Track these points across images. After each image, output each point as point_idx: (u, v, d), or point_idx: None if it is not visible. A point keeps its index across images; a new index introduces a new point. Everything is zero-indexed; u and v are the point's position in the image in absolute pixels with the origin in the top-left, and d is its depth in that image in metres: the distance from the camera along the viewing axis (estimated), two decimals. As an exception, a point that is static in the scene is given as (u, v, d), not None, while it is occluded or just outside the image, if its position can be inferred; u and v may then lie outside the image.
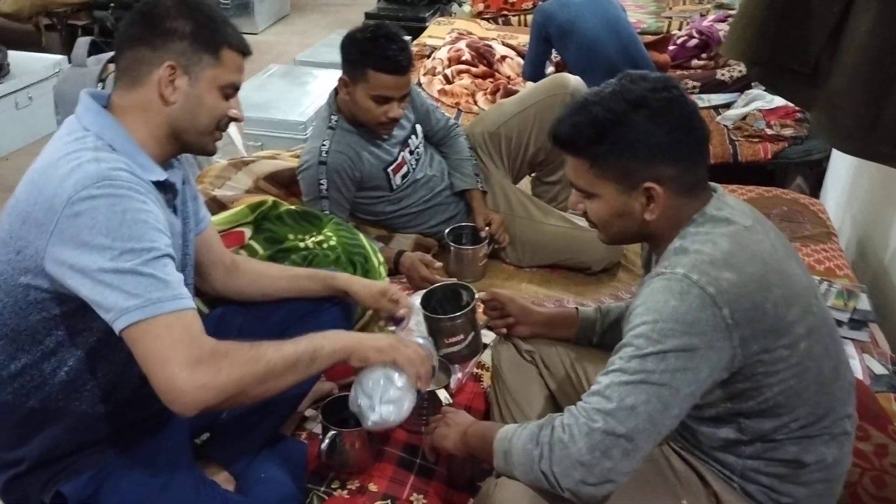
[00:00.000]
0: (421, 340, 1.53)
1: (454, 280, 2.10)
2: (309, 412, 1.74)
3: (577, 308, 1.63)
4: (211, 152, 1.40)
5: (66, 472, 1.30)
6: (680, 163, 1.22)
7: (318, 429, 1.69)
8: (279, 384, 1.22)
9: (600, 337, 1.59)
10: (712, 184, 1.29)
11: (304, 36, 5.59)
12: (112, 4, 4.64)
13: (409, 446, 1.65)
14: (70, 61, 4.10)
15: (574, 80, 2.41)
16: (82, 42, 2.43)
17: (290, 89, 3.80)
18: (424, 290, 1.72)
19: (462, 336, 1.65)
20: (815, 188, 3.19)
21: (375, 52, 2.02)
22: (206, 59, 1.29)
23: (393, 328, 1.61)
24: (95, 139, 1.23)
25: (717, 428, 1.26)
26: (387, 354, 1.37)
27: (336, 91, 2.22)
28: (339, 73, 3.84)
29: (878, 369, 1.84)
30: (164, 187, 1.31)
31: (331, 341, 1.31)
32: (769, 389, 1.19)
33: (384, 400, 1.37)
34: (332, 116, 2.17)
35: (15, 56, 3.91)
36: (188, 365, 1.10)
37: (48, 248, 1.16)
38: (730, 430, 1.25)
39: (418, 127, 2.33)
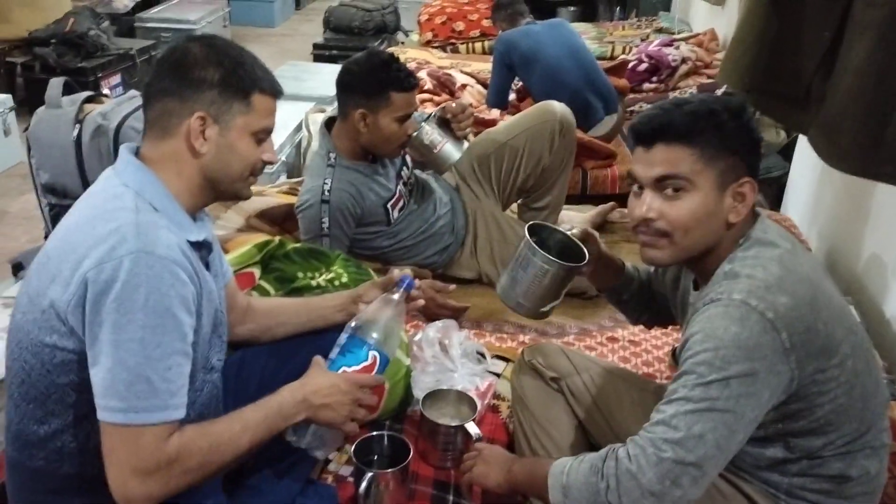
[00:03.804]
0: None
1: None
2: (331, 454, 1.70)
3: (622, 261, 1.62)
4: (245, 197, 1.37)
5: (106, 536, 1.23)
6: (755, 174, 1.28)
7: (343, 470, 1.66)
8: (227, 470, 1.27)
9: (630, 295, 1.60)
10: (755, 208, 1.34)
11: (248, 67, 5.52)
12: (53, 41, 4.49)
13: (439, 483, 1.64)
14: (14, 100, 4.01)
15: (560, 107, 2.46)
16: (55, 83, 2.35)
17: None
18: None
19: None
20: (773, 204, 3.32)
21: (393, 75, 2.08)
22: (236, 107, 1.25)
23: (397, 295, 1.46)
24: (135, 197, 1.20)
25: (765, 448, 1.28)
26: (337, 424, 1.33)
27: (327, 127, 2.21)
28: (299, 105, 3.90)
29: (876, 378, 1.91)
30: (200, 245, 1.28)
31: (288, 420, 1.28)
32: (820, 409, 1.22)
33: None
34: (330, 154, 2.16)
35: (-46, 96, 3.75)
36: (141, 474, 1.13)
37: (69, 308, 1.14)
38: (777, 450, 1.27)
39: (408, 158, 2.34)
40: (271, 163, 1.33)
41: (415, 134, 2.17)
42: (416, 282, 1.54)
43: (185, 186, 1.26)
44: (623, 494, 1.17)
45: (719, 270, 1.27)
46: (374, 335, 1.38)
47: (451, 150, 2.19)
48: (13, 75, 4.54)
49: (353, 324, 1.40)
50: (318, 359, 1.36)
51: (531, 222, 1.49)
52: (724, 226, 1.27)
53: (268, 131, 1.31)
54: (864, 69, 1.60)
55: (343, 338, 1.39)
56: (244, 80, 1.25)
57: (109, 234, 1.13)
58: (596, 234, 1.55)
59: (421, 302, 1.59)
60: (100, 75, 4.53)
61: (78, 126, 2.30)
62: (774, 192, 3.33)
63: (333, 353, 1.37)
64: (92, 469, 1.19)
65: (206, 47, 1.25)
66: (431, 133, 2.18)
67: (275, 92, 1.30)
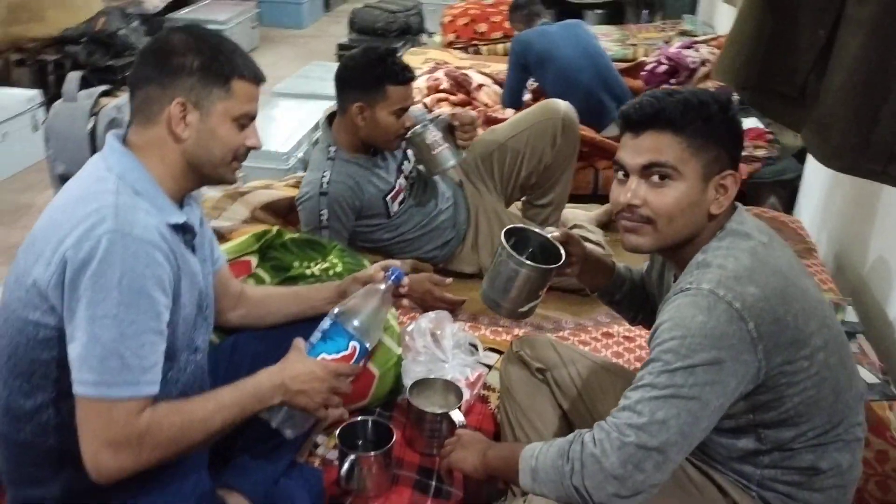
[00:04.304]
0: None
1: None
2: (320, 438, 1.74)
3: (613, 262, 1.63)
4: (230, 182, 1.41)
5: (90, 505, 1.28)
6: (737, 168, 1.30)
7: (330, 454, 1.70)
8: (201, 447, 1.30)
9: (623, 296, 1.61)
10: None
11: (274, 68, 5.61)
12: (83, 39, 4.62)
13: (423, 469, 1.67)
14: (44, 96, 4.12)
15: (564, 105, 2.48)
16: (73, 77, 2.43)
17: (269, 121, 3.82)
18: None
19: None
20: (787, 207, 3.29)
21: (389, 69, 2.13)
22: (215, 93, 1.29)
23: (383, 286, 1.49)
24: (117, 181, 1.24)
25: (737, 439, 1.29)
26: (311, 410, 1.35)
27: (329, 122, 2.25)
28: (319, 104, 3.96)
29: (871, 379, 1.90)
30: (182, 229, 1.32)
31: (263, 402, 1.31)
32: (790, 400, 1.23)
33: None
34: (330, 147, 2.21)
35: (-15, 92, 3.88)
36: (113, 446, 1.17)
37: (50, 286, 1.18)
38: (749, 441, 1.28)
39: (409, 152, 2.37)
40: (255, 148, 1.36)
41: (419, 130, 2.21)
42: (405, 279, 1.56)
43: (169, 171, 1.30)
44: (587, 477, 1.19)
45: (693, 260, 1.28)
46: (356, 324, 1.40)
47: (447, 156, 2.23)
48: (45, 73, 4.67)
49: (336, 310, 1.43)
50: (298, 342, 1.38)
51: (510, 226, 1.52)
52: (706, 217, 1.29)
53: (250, 116, 1.34)
54: (855, 67, 1.59)
55: (326, 323, 1.41)
56: (223, 67, 1.28)
57: (89, 215, 1.18)
58: (577, 236, 1.57)
59: (405, 302, 1.61)
60: (127, 73, 4.62)
61: (93, 118, 2.38)
62: (788, 195, 3.31)
63: (314, 338, 1.40)
64: (73, 444, 1.23)
65: (187, 36, 1.30)
66: (435, 134, 2.21)
67: (256, 78, 1.33)
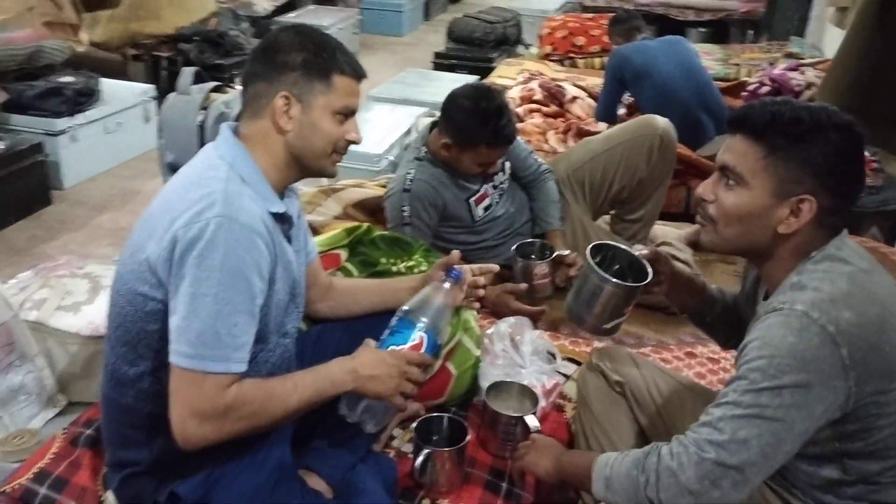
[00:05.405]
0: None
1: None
2: (396, 431, 1.78)
3: (704, 283, 1.61)
4: (331, 175, 1.47)
5: (180, 473, 1.35)
6: (838, 198, 1.24)
7: (405, 447, 1.73)
8: (277, 426, 1.36)
9: (714, 318, 1.59)
10: None
11: (372, 73, 5.71)
12: (196, 38, 4.84)
13: (495, 470, 1.68)
14: (156, 90, 4.34)
15: (663, 122, 2.45)
16: (187, 72, 2.56)
17: (363, 123, 3.87)
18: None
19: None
20: (889, 238, 3.16)
21: (491, 132, 2.12)
22: (317, 87, 1.35)
23: (447, 284, 1.52)
24: (228, 169, 1.32)
25: (820, 467, 1.26)
26: (385, 396, 1.39)
27: (430, 128, 2.30)
28: (412, 109, 4.04)
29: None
30: (282, 218, 1.38)
31: (336, 386, 1.37)
32: (879, 432, 1.19)
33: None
34: (422, 149, 2.26)
35: (105, 83, 4.09)
36: (199, 416, 1.24)
37: (160, 262, 1.26)
38: (833, 470, 1.25)
39: (507, 164, 2.39)
40: (355, 142, 1.42)
41: (536, 260, 2.21)
42: (465, 273, 1.60)
43: (273, 162, 1.37)
44: (662, 490, 1.18)
45: (787, 281, 1.26)
46: (424, 319, 1.45)
47: (544, 291, 2.22)
48: (158, 68, 4.92)
49: (404, 307, 1.48)
50: (368, 341, 1.44)
51: (597, 241, 1.52)
52: (772, 233, 1.25)
53: (350, 110, 1.39)
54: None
55: (393, 321, 1.47)
56: (325, 63, 1.35)
57: (200, 199, 1.26)
58: (666, 254, 1.56)
59: (461, 296, 1.62)
60: (234, 73, 4.82)
61: (203, 112, 2.50)
62: (890, 226, 3.17)
63: (384, 335, 1.45)
64: (168, 412, 1.30)
65: (293, 34, 1.37)
66: (544, 270, 2.21)
67: (356, 74, 1.39)
